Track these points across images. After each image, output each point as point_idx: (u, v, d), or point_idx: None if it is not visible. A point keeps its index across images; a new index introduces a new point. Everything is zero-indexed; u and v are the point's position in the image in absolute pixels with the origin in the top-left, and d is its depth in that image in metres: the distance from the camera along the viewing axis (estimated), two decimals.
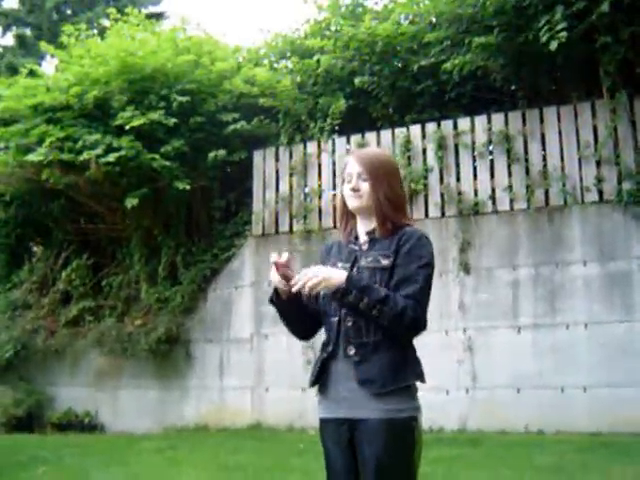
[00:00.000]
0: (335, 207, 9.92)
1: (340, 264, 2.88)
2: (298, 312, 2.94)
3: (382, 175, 2.87)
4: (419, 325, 2.70)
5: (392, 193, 2.86)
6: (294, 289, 2.71)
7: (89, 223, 11.89)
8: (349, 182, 2.89)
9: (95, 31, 15.17)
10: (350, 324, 2.77)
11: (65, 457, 8.12)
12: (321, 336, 2.99)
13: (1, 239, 12.65)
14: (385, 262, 2.77)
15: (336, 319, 2.82)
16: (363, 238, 2.92)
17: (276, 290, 2.90)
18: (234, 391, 10.12)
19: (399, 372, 2.71)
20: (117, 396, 10.87)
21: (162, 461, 7.66)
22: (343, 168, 2.96)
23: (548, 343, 8.51)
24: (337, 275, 2.69)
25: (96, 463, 7.74)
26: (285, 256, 2.85)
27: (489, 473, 6.30)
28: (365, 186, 2.85)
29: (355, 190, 2.86)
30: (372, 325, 2.72)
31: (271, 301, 2.94)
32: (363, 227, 2.93)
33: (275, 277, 2.84)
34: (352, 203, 2.90)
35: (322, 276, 2.67)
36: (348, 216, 3.00)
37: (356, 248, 2.91)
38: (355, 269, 2.81)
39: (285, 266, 2.82)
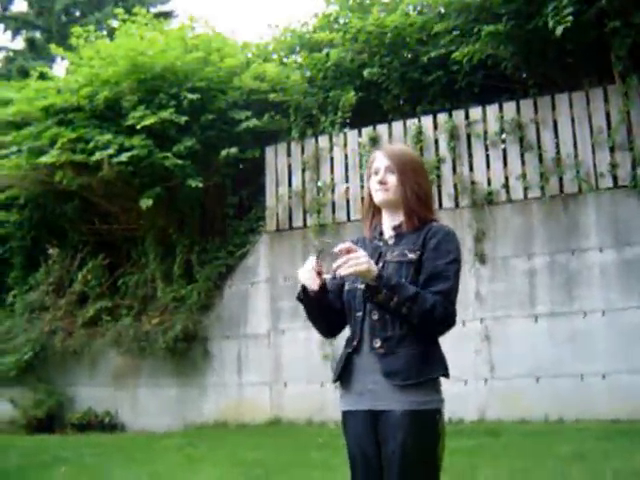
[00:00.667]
0: (348, 200, 9.94)
1: None
2: (325, 309, 2.93)
3: (410, 170, 2.88)
4: (449, 321, 2.71)
5: (419, 187, 2.87)
6: (339, 271, 2.65)
7: (103, 223, 11.92)
8: (376, 175, 2.91)
9: (104, 32, 15.17)
10: (376, 317, 2.76)
11: (86, 457, 8.17)
12: (343, 332, 2.98)
13: (17, 242, 12.73)
14: (412, 256, 2.77)
15: (360, 314, 2.82)
16: (389, 233, 2.92)
17: (303, 287, 2.87)
18: (252, 387, 10.14)
19: (424, 365, 2.71)
20: (136, 395, 10.92)
21: (182, 458, 7.69)
22: (370, 163, 2.97)
23: (566, 331, 8.47)
24: (374, 268, 2.67)
25: (117, 462, 7.78)
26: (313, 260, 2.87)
27: (510, 463, 6.27)
28: (393, 179, 2.86)
29: (382, 183, 2.87)
30: (398, 319, 2.72)
31: (299, 299, 2.91)
32: (389, 222, 2.93)
33: (306, 275, 2.83)
34: (379, 196, 2.90)
35: (366, 265, 2.63)
36: (374, 211, 3.01)
37: (380, 244, 2.90)
38: (381, 263, 2.80)
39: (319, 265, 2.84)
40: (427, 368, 2.72)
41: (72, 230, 12.20)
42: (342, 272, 2.64)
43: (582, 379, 8.27)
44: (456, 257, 2.78)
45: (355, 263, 2.61)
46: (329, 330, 3.03)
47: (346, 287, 2.88)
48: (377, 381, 2.73)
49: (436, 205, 9.20)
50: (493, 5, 9.02)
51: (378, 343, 2.75)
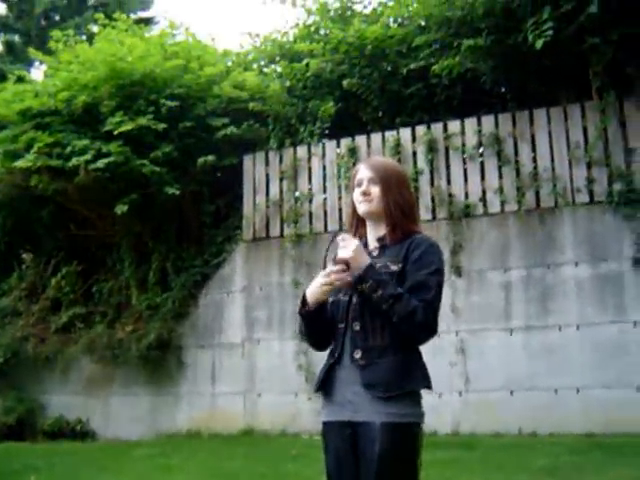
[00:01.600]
0: (326, 211, 9.94)
1: None
2: (322, 323, 2.90)
3: (393, 181, 2.90)
4: (429, 329, 2.70)
5: (402, 199, 2.89)
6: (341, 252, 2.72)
7: (79, 229, 11.80)
8: (359, 187, 2.92)
9: (84, 37, 15.11)
10: (358, 328, 2.77)
11: (57, 465, 8.06)
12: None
13: None
14: (394, 267, 2.77)
15: (343, 325, 2.82)
16: (373, 244, 2.93)
17: (303, 300, 2.85)
18: (226, 397, 10.07)
19: (404, 377, 2.71)
20: (108, 403, 10.81)
21: (154, 468, 7.61)
22: (353, 175, 2.99)
23: (540, 345, 8.50)
24: (364, 259, 2.71)
25: (88, 470, 7.70)
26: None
27: (484, 476, 6.27)
28: (376, 190, 2.88)
29: (366, 194, 2.89)
30: (379, 330, 2.73)
31: (300, 313, 2.89)
32: (373, 233, 2.94)
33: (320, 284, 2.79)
34: (362, 207, 2.91)
35: (354, 253, 2.70)
36: (358, 223, 3.01)
37: None
38: None
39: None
40: (407, 380, 2.71)
41: (46, 235, 12.09)
42: (340, 255, 2.71)
43: (556, 393, 8.30)
44: (439, 268, 2.79)
45: (347, 252, 2.70)
46: (322, 343, 2.99)
47: (330, 299, 2.87)
48: (357, 392, 2.73)
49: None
50: (473, 19, 9.07)
51: (359, 354, 2.74)
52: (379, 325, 2.73)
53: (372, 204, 2.88)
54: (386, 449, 2.63)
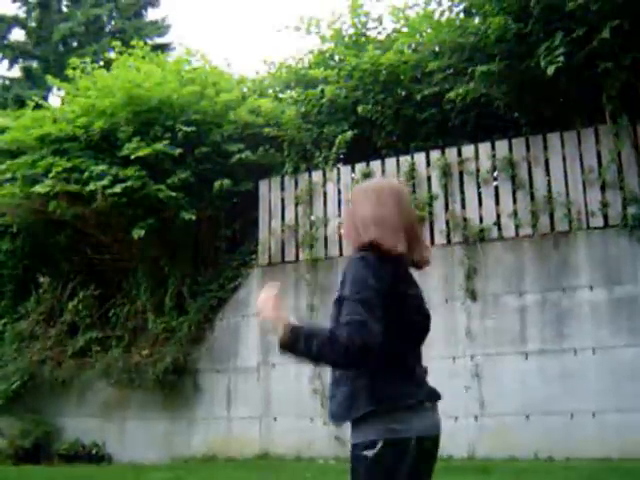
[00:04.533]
0: (341, 236, 9.96)
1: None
2: None
3: (350, 210, 2.92)
4: (346, 349, 2.47)
5: (355, 220, 2.85)
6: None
7: (96, 254, 11.89)
8: None
9: (101, 63, 15.29)
10: None
11: None
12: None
13: (8, 270, 12.69)
14: (336, 295, 2.73)
15: None
16: None
17: None
18: (242, 421, 10.08)
19: (351, 404, 2.62)
20: (124, 427, 10.84)
21: None
22: None
23: (556, 369, 8.47)
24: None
25: None
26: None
27: None
28: (344, 228, 2.90)
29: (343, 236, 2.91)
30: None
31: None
32: None
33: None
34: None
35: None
36: None
37: None
38: None
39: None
40: (354, 406, 2.61)
41: (64, 260, 12.18)
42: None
43: (572, 417, 8.26)
44: (352, 281, 2.62)
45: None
46: None
47: None
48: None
49: (427, 241, 9.22)
50: (486, 45, 9.13)
51: (329, 387, 2.78)
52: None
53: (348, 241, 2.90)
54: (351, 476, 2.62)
